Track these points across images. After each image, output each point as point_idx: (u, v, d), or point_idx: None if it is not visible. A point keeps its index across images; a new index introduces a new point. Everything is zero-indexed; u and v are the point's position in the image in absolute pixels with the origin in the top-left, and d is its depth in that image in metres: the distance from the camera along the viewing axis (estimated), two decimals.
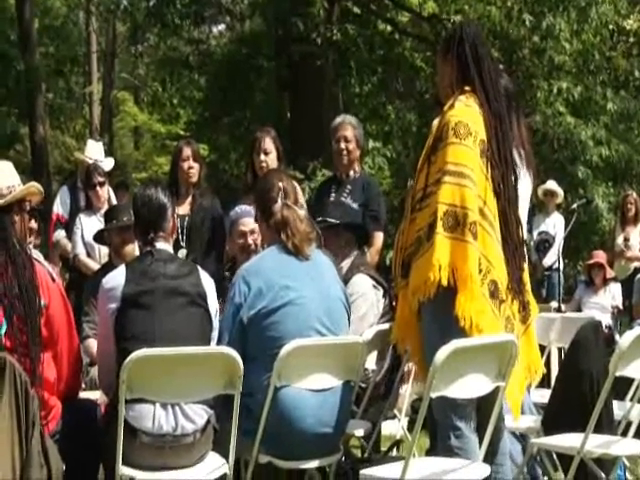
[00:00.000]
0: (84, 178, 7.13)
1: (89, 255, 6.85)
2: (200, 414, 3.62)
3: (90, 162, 7.34)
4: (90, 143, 8.08)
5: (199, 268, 3.91)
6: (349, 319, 4.09)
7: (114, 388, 3.53)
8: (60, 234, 7.25)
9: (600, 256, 9.65)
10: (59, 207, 7.32)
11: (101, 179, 6.98)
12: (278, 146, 5.88)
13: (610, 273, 9.52)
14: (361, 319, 4.69)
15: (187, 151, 6.08)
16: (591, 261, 9.69)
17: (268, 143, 5.83)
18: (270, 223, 4.00)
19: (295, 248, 3.92)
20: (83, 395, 4.08)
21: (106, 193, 7.07)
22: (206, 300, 3.80)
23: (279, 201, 4.00)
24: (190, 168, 6.06)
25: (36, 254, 3.71)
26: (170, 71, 15.39)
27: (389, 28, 14.47)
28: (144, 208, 3.87)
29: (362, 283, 4.87)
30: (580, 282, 10.10)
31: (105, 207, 6.72)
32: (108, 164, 7.58)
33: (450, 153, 3.67)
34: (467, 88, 3.81)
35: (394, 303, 5.05)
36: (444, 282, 3.58)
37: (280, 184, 4.06)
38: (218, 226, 5.88)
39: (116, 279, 3.74)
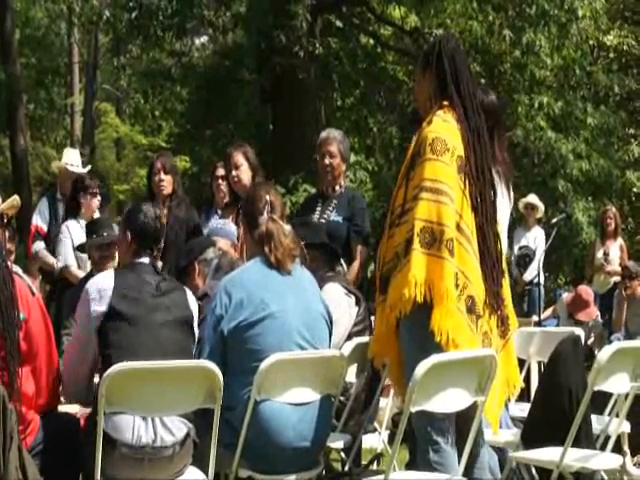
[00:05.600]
0: (73, 186, 6.87)
1: (79, 267, 6.73)
2: (179, 427, 3.61)
3: (70, 168, 7.20)
4: (68, 150, 7.96)
5: (184, 287, 3.96)
6: (330, 334, 4.09)
7: (81, 396, 3.65)
8: (39, 246, 7.13)
9: (587, 293, 9.39)
10: (38, 219, 7.22)
11: (97, 187, 6.86)
12: (250, 158, 5.89)
13: (593, 312, 9.38)
14: (335, 323, 4.70)
15: (157, 164, 6.20)
16: (569, 298, 9.51)
17: (237, 157, 5.87)
18: (254, 235, 4.00)
19: (277, 262, 3.90)
20: (62, 409, 4.06)
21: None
22: (190, 316, 3.83)
23: (265, 214, 4.00)
24: (161, 181, 6.12)
25: (15, 267, 3.68)
26: (152, 83, 15.37)
27: (371, 42, 14.53)
28: (147, 223, 3.90)
29: (333, 291, 4.87)
30: (559, 297, 10.09)
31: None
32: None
33: (427, 169, 3.67)
34: (445, 103, 3.82)
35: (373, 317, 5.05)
36: (419, 299, 3.59)
37: (267, 197, 4.06)
38: (195, 236, 5.86)
39: (104, 282, 3.73)
